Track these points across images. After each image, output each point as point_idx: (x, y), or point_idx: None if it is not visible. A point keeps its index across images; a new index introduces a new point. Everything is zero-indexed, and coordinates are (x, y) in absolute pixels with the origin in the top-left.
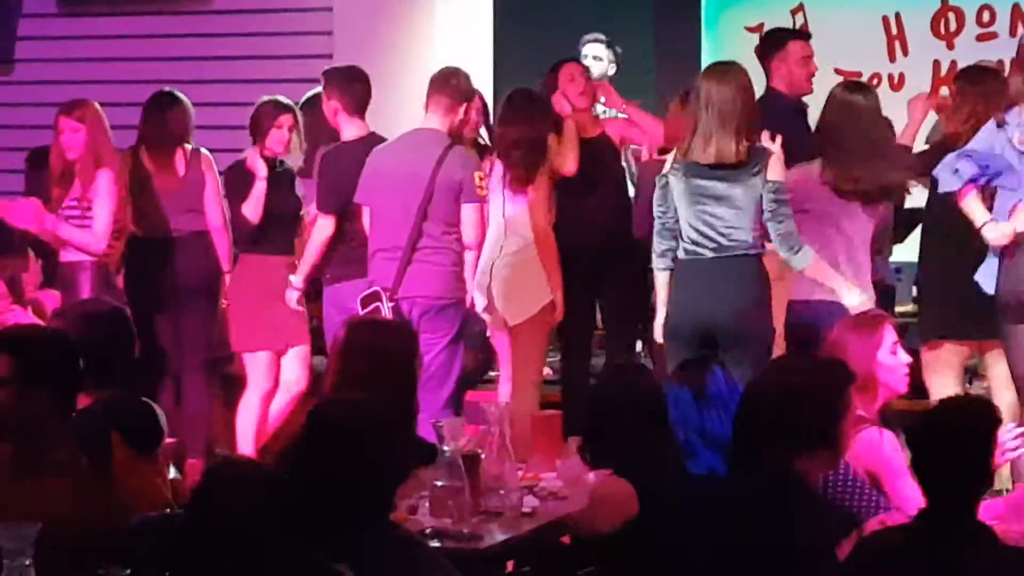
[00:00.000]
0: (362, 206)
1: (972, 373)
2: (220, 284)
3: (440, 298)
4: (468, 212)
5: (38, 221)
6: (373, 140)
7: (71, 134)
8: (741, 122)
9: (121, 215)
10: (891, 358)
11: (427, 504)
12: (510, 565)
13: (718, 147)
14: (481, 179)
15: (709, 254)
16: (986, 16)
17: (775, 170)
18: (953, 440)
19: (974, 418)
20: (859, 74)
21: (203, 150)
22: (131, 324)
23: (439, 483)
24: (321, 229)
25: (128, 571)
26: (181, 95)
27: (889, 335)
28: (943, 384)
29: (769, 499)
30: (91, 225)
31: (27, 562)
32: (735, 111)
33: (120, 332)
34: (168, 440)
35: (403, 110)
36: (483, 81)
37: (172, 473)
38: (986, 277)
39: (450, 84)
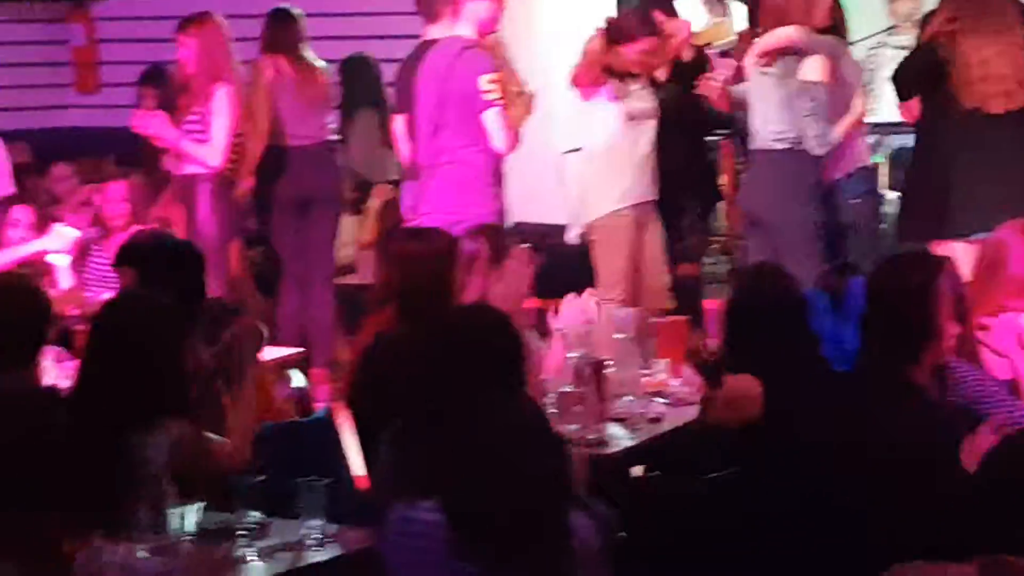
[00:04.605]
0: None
1: None
2: (345, 195)
3: (456, 214)
4: (487, 121)
5: (163, 133)
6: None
7: (186, 49)
8: None
9: (242, 128)
10: None
11: (554, 410)
12: (636, 471)
13: None
14: (491, 82)
15: None
16: None
17: None
18: None
19: None
20: None
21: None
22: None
23: (566, 389)
24: None
25: (264, 477)
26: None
27: None
28: None
29: (878, 398)
30: (209, 140)
31: (162, 470)
32: None
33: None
34: (295, 350)
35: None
36: None
37: (300, 381)
38: None
39: None
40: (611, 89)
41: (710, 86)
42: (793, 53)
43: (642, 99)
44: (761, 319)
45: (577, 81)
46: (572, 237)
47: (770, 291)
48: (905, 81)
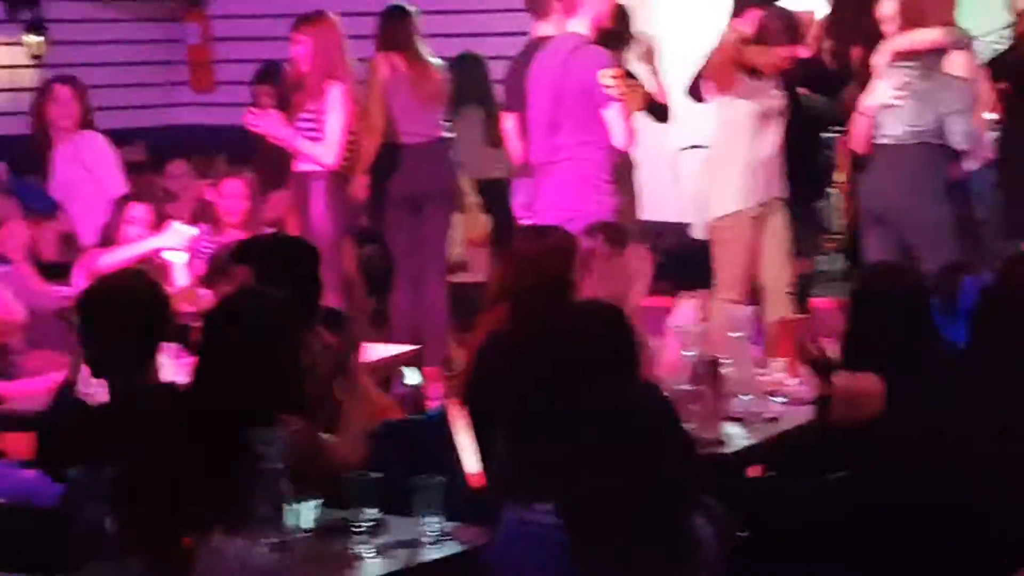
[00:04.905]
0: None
1: None
2: (459, 192)
3: (573, 211)
4: (607, 117)
5: (277, 131)
6: (531, 44)
7: (300, 47)
8: None
9: (356, 126)
10: None
11: None
12: (753, 471)
13: None
14: (612, 77)
15: None
16: None
17: None
18: None
19: None
20: None
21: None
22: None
23: (683, 387)
24: None
25: (381, 475)
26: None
27: None
28: None
29: (999, 396)
30: (323, 138)
31: (279, 466)
32: None
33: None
34: (408, 348)
35: None
36: None
37: (415, 379)
38: None
39: None
40: (742, 86)
41: None
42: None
43: (773, 97)
44: (887, 317)
45: (711, 78)
46: (696, 234)
47: (897, 288)
48: (999, 75)
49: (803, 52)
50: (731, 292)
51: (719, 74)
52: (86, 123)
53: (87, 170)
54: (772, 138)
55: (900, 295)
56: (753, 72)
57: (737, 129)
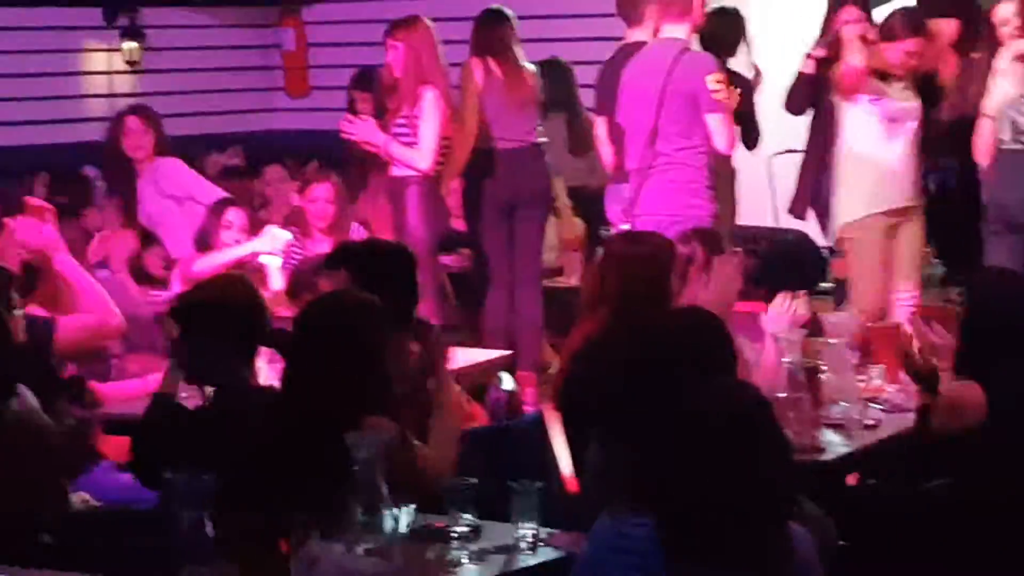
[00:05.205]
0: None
1: None
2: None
3: (673, 216)
4: (712, 122)
5: (371, 137)
6: (624, 49)
7: (393, 53)
8: None
9: (450, 131)
10: None
11: None
12: (852, 478)
13: None
14: (718, 82)
15: None
16: None
17: None
18: None
19: None
20: None
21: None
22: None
23: (780, 395)
24: None
25: (475, 480)
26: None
27: None
28: None
29: None
30: (418, 143)
31: (377, 471)
32: None
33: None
34: (502, 352)
35: None
36: None
37: (510, 384)
38: None
39: None
40: (872, 89)
41: None
42: None
43: (905, 99)
44: (1003, 326)
45: (843, 82)
46: (827, 241)
47: (1016, 297)
48: None
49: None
50: (863, 304)
51: (851, 79)
52: (161, 150)
53: (172, 199)
54: (903, 140)
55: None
56: (881, 74)
57: (865, 133)
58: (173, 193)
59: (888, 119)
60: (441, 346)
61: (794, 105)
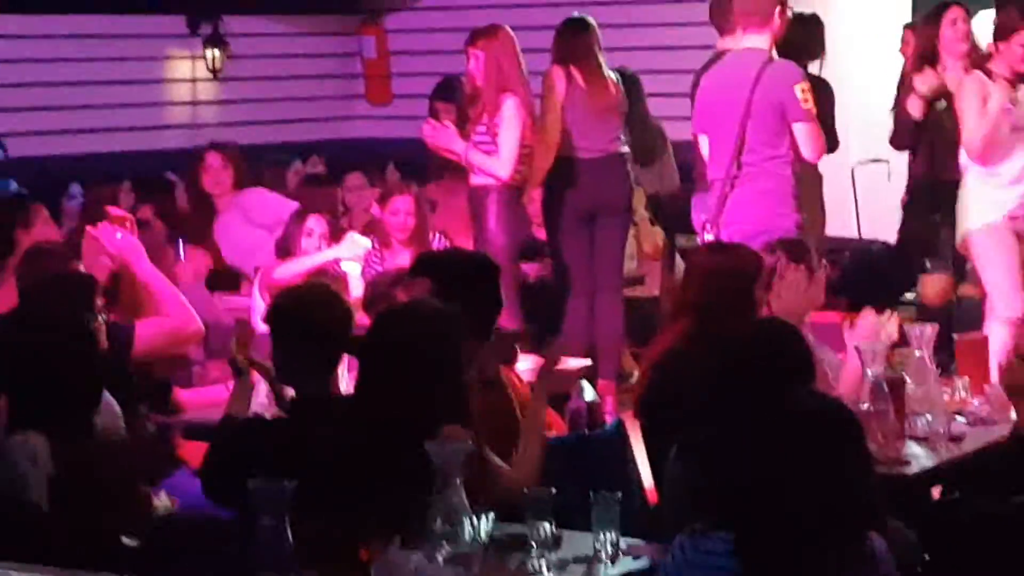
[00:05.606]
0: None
1: None
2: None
3: (760, 226)
4: (799, 131)
5: (452, 144)
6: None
7: (474, 62)
8: None
9: (530, 139)
10: None
11: None
12: (936, 492)
13: None
14: (804, 91)
15: None
16: None
17: None
18: None
19: None
20: None
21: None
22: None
23: (864, 407)
24: None
25: (554, 489)
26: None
27: None
28: None
29: None
30: (498, 151)
31: (458, 479)
32: None
33: None
34: (583, 361)
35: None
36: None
37: (590, 394)
38: None
39: None
40: (1007, 97)
41: None
42: None
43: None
44: None
45: (957, 98)
46: (961, 249)
47: None
48: None
49: None
50: (1008, 310)
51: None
52: (240, 184)
53: (263, 227)
54: None
55: None
56: (1012, 78)
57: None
58: (264, 222)
59: (1011, 129)
60: (514, 354)
61: (899, 143)
